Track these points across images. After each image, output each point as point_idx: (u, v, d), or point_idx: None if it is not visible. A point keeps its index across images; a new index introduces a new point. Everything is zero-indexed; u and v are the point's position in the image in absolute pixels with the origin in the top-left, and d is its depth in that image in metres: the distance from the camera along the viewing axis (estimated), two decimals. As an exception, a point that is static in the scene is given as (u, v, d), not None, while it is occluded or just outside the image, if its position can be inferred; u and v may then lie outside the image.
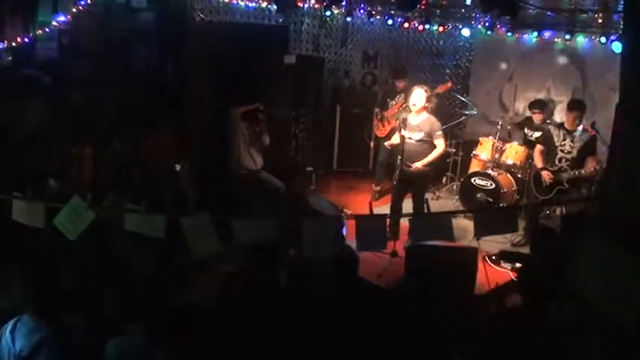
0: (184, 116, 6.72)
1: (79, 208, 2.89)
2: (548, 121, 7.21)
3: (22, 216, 3.03)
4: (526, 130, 7.49)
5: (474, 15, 7.97)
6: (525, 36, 8.01)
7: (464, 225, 6.27)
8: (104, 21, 6.62)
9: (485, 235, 4.01)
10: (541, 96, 8.11)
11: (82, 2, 6.14)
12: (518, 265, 5.61)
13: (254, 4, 7.78)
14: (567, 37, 7.17)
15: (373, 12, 8.34)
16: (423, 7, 7.70)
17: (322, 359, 3.26)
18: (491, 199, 7.12)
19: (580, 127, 6.09)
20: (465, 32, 8.35)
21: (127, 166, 5.67)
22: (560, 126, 6.24)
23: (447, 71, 9.45)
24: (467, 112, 8.49)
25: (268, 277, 3.90)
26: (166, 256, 3.78)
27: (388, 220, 3.99)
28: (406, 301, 4.17)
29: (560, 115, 7.69)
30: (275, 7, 7.78)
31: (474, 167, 7.90)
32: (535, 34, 7.59)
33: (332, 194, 7.88)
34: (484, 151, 7.63)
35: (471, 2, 6.99)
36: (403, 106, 7.28)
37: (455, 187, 8.18)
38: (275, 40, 7.58)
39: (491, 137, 7.61)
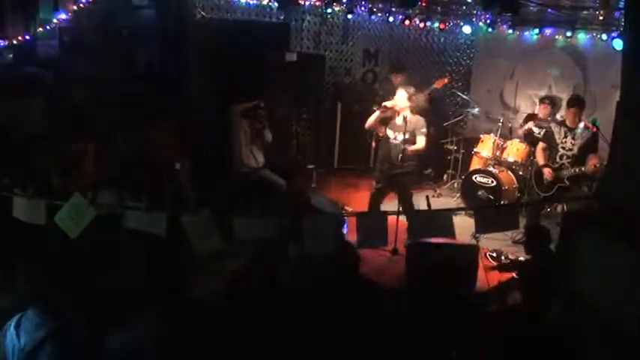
0: (185, 114, 6.72)
1: (80, 205, 2.90)
2: (549, 118, 7.20)
3: (23, 213, 3.04)
4: (532, 127, 7.43)
5: (475, 12, 7.97)
6: (526, 33, 8.00)
7: (465, 222, 6.27)
8: (105, 18, 6.62)
9: (486, 233, 4.02)
10: (542, 93, 8.11)
11: (83, 0, 6.13)
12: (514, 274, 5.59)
13: (255, 2, 7.78)
14: (568, 34, 7.17)
15: (374, 9, 8.33)
16: (424, 4, 7.70)
17: (323, 357, 3.26)
18: (492, 197, 7.13)
19: (581, 125, 6.08)
20: (466, 29, 8.35)
21: (128, 164, 5.67)
22: (562, 123, 6.24)
23: (448, 69, 9.45)
24: (469, 111, 8.49)
25: (269, 274, 3.90)
26: (168, 254, 3.79)
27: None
28: (406, 299, 4.18)
29: (561, 113, 7.68)
30: (276, 4, 7.78)
31: (475, 165, 7.91)
32: (536, 31, 7.59)
33: (333, 192, 7.89)
34: (485, 148, 7.63)
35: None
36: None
37: (456, 184, 8.18)
38: (276, 37, 7.57)
39: (492, 134, 7.61)
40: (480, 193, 7.26)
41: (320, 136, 8.77)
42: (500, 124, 7.63)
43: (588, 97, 6.75)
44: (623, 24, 5.65)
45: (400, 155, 5.96)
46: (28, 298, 2.91)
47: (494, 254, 6.01)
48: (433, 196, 7.59)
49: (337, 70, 9.09)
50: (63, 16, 6.11)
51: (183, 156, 6.02)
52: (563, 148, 6.12)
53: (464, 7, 8.02)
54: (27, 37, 5.96)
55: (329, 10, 8.51)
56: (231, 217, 2.91)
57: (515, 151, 7.38)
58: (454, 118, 8.63)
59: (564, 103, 6.93)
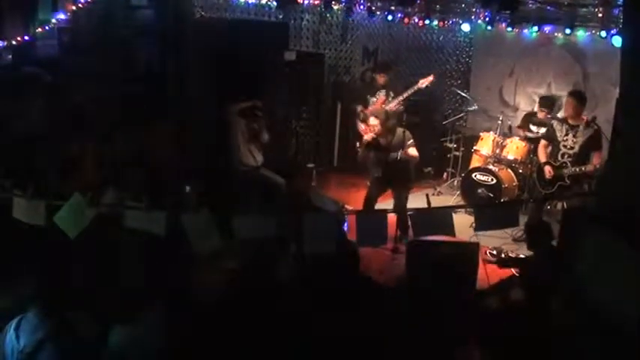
0: (184, 113, 6.71)
1: (79, 205, 2.89)
2: (549, 116, 7.19)
3: (23, 214, 3.03)
4: (531, 126, 7.44)
5: (474, 10, 7.96)
6: (525, 31, 7.98)
7: (465, 220, 6.27)
8: (104, 18, 6.61)
9: (486, 230, 4.02)
10: (542, 91, 8.11)
11: (82, 0, 6.13)
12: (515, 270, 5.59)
13: (254, 1, 7.77)
14: (567, 31, 7.14)
15: (373, 8, 8.32)
16: (422, 2, 7.69)
17: (323, 356, 3.26)
18: (492, 195, 7.12)
19: (583, 122, 6.05)
20: (465, 27, 8.33)
21: (127, 164, 5.67)
22: (563, 121, 6.20)
23: (448, 67, 9.45)
24: (468, 109, 8.48)
25: (269, 273, 3.90)
26: (168, 253, 3.79)
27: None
28: (407, 298, 4.18)
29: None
30: (275, 3, 7.77)
31: (475, 163, 7.90)
32: (535, 28, 7.57)
33: (333, 191, 7.89)
34: (485, 146, 7.63)
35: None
36: (384, 102, 7.27)
37: (456, 182, 8.18)
38: (275, 36, 7.56)
39: (492, 132, 7.61)
40: (479, 191, 7.25)
41: (319, 134, 8.76)
42: (500, 121, 7.63)
43: (588, 95, 6.73)
44: (622, 21, 5.64)
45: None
46: (28, 299, 2.91)
47: (495, 252, 6.01)
48: (433, 195, 7.60)
49: (336, 68, 9.09)
50: (62, 16, 6.10)
51: (183, 155, 6.03)
52: (565, 146, 6.08)
53: (463, 5, 8.02)
54: (26, 38, 5.96)
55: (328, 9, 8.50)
56: (230, 216, 2.92)
57: (515, 148, 7.38)
58: (453, 116, 8.63)
59: (564, 101, 6.94)
